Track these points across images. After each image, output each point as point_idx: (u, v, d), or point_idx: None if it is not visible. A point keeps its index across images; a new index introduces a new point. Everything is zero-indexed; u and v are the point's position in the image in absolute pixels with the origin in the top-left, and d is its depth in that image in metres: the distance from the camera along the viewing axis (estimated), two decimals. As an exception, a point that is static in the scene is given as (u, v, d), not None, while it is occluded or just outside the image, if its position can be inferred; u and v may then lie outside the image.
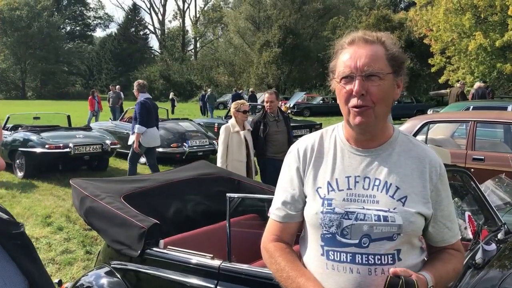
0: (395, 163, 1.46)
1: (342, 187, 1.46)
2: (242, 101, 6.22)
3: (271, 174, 5.90)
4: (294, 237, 1.60)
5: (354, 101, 1.39)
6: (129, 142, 8.01)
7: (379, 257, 1.40)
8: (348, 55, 1.43)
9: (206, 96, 26.03)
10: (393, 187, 1.42)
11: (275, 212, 1.59)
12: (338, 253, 1.42)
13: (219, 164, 5.72)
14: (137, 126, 7.51)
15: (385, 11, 33.34)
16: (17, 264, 1.11)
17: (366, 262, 1.40)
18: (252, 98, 24.47)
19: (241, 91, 29.80)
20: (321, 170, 1.51)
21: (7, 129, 9.57)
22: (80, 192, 3.13)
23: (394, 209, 1.40)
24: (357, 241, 1.40)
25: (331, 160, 1.51)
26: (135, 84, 7.99)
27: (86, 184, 3.22)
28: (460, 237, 1.56)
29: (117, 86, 21.39)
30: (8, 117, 10.39)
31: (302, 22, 42.07)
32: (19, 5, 55.00)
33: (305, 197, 1.53)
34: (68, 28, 69.29)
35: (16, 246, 1.12)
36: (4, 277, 1.06)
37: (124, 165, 10.07)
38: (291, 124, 6.58)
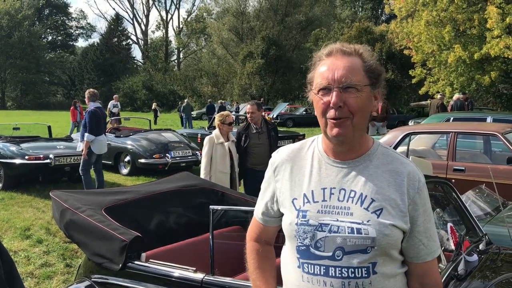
0: (372, 175, 1.44)
1: (317, 199, 1.45)
2: (226, 112, 6.19)
3: (251, 184, 5.97)
4: (274, 235, 1.66)
5: (331, 113, 1.39)
6: (78, 149, 8.36)
7: (352, 270, 1.38)
8: (325, 67, 1.43)
9: (182, 106, 25.99)
10: (368, 199, 1.41)
11: (256, 214, 1.67)
12: (312, 266, 1.42)
13: (202, 175, 5.69)
14: (86, 134, 7.86)
15: (366, 23, 33.80)
16: None
17: (340, 275, 1.38)
18: (222, 109, 24.61)
19: (224, 101, 29.83)
20: (298, 181, 1.51)
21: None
22: (60, 205, 3.07)
23: (367, 221, 1.38)
24: (330, 254, 1.39)
25: (308, 171, 1.51)
26: (86, 92, 8.35)
27: (66, 196, 3.16)
28: (437, 255, 1.51)
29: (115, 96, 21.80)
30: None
31: (285, 34, 42.41)
32: (-1, 14, 54.41)
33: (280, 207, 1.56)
34: (50, 37, 68.61)
35: None
36: None
37: (108, 176, 9.97)
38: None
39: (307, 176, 1.50)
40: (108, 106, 20.64)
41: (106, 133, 10.67)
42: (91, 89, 8.47)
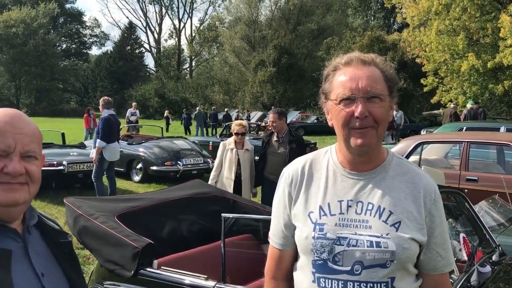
0: (388, 187, 1.42)
1: (334, 212, 1.42)
2: (238, 122, 6.30)
3: (266, 193, 5.99)
4: (291, 264, 1.56)
5: (356, 123, 1.36)
6: (90, 156, 8.41)
7: (371, 285, 1.35)
8: (346, 77, 1.40)
9: (194, 114, 26.17)
10: (386, 211, 1.38)
11: (272, 238, 1.58)
12: (330, 280, 1.38)
13: (211, 177, 6.00)
14: (98, 140, 7.96)
15: (378, 32, 33.77)
16: (62, 269, 1.29)
17: None
18: (227, 118, 24.86)
19: (237, 110, 29.97)
20: (313, 194, 1.48)
21: None
22: (73, 211, 3.11)
23: (387, 234, 1.36)
24: (349, 268, 1.36)
25: (323, 183, 1.47)
26: (101, 100, 8.44)
27: (80, 202, 3.20)
28: (453, 267, 1.51)
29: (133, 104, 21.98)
30: None
31: (297, 42, 42.49)
32: (15, 23, 55.10)
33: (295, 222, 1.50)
34: (64, 45, 69.46)
35: (63, 253, 1.32)
36: (51, 278, 1.24)
37: (120, 183, 10.04)
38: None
39: (323, 189, 1.46)
40: (127, 114, 20.77)
41: (119, 140, 10.80)
42: (106, 97, 8.57)
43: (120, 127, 9.25)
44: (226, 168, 5.95)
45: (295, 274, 1.53)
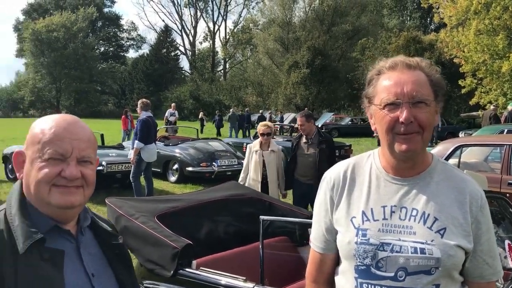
0: (433, 192, 1.39)
1: (378, 217, 1.40)
2: (263, 122, 6.37)
3: (297, 195, 6.03)
4: (333, 269, 1.55)
5: (401, 128, 1.34)
6: (129, 156, 8.52)
7: None
8: (390, 81, 1.38)
9: (228, 116, 26.29)
10: (431, 218, 1.36)
11: (313, 242, 1.58)
12: (373, 286, 1.37)
13: (239, 179, 6.12)
14: (136, 142, 8.10)
15: (415, 32, 33.11)
16: (113, 270, 1.33)
17: None
18: (261, 119, 24.87)
19: (268, 111, 29.99)
20: (355, 199, 1.46)
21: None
22: (115, 211, 3.20)
23: (431, 241, 1.34)
24: (392, 274, 1.34)
25: (366, 188, 1.46)
26: (139, 102, 8.60)
27: (121, 203, 3.29)
28: (500, 276, 1.46)
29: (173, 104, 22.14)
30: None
31: (331, 43, 42.14)
32: (56, 27, 56.95)
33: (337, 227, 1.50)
34: (102, 49, 71.26)
35: (115, 255, 1.36)
36: (101, 279, 1.28)
37: (157, 183, 10.23)
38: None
39: (365, 194, 1.45)
40: (166, 115, 21.00)
41: (156, 142, 11.01)
42: (144, 99, 8.75)
43: (157, 129, 9.42)
44: (252, 170, 6.05)
45: (336, 278, 1.53)
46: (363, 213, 1.43)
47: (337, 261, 1.54)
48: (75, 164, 1.23)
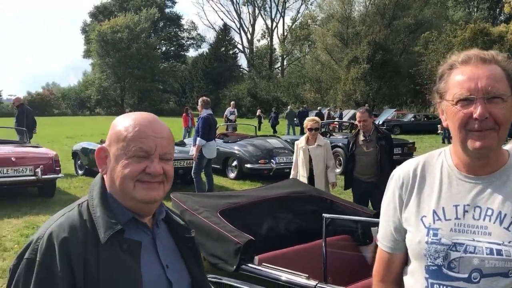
0: (510, 192, 1.32)
1: (450, 217, 1.35)
2: (310, 117, 6.42)
3: (358, 195, 5.92)
4: (401, 268, 1.51)
5: (475, 125, 1.29)
6: (190, 153, 8.69)
7: None
8: (463, 76, 1.32)
9: (285, 113, 26.20)
10: (508, 218, 1.29)
11: (381, 241, 1.55)
12: (444, 287, 1.34)
13: (290, 176, 6.20)
14: (198, 139, 8.27)
15: (482, 24, 31.53)
16: (185, 262, 1.39)
17: None
18: (319, 116, 24.52)
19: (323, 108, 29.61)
20: (426, 197, 1.42)
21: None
22: (179, 206, 3.28)
23: (509, 242, 1.27)
24: (466, 276, 1.29)
25: (437, 187, 1.41)
26: (200, 100, 8.75)
27: (185, 198, 3.38)
28: None
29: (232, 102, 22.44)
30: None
31: (392, 38, 41.03)
32: (120, 28, 59.27)
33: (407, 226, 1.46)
34: (164, 48, 73.33)
35: (187, 248, 1.42)
36: (174, 270, 1.33)
37: (216, 180, 10.42)
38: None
39: (436, 192, 1.41)
40: (225, 113, 21.32)
41: (216, 139, 11.22)
42: (205, 97, 8.93)
43: (217, 126, 9.59)
44: (300, 167, 6.17)
45: (405, 278, 1.49)
46: (434, 212, 1.38)
47: (405, 261, 1.50)
48: (158, 161, 1.29)
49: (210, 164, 8.82)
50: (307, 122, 6.15)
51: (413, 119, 27.87)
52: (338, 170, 11.40)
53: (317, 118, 6.44)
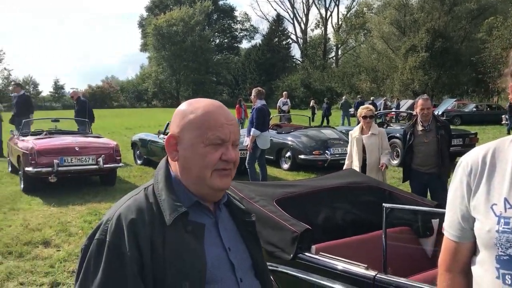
0: None
1: None
2: (364, 105, 6.32)
3: (417, 186, 5.71)
4: (469, 257, 1.46)
5: None
6: (244, 144, 8.63)
7: None
8: None
9: (340, 103, 25.73)
10: None
11: (447, 229, 1.50)
12: None
13: (344, 166, 6.16)
14: (252, 129, 8.28)
15: (553, 7, 29.59)
16: (246, 246, 1.42)
17: None
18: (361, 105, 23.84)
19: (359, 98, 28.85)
20: (496, 185, 1.36)
21: (165, 135, 10.56)
22: (236, 194, 3.28)
23: None
24: None
25: (509, 174, 1.34)
26: (254, 91, 8.71)
27: (241, 186, 3.40)
28: None
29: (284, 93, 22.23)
30: (168, 123, 11.47)
31: (452, 24, 39.34)
32: (175, 21, 60.50)
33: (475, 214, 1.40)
34: (217, 40, 74.19)
35: (248, 232, 1.44)
36: (236, 253, 1.36)
37: (270, 170, 10.43)
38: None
39: (508, 180, 1.34)
40: (278, 104, 21.25)
41: (269, 130, 11.23)
42: (258, 88, 8.94)
43: (270, 117, 9.58)
44: (354, 156, 6.07)
45: (473, 268, 1.43)
46: (506, 200, 1.32)
47: (473, 251, 1.44)
48: (232, 147, 1.32)
49: (263, 154, 8.85)
50: (361, 110, 6.03)
51: (475, 109, 26.66)
52: (395, 162, 11.12)
53: (371, 106, 6.32)
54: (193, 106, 1.35)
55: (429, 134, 5.57)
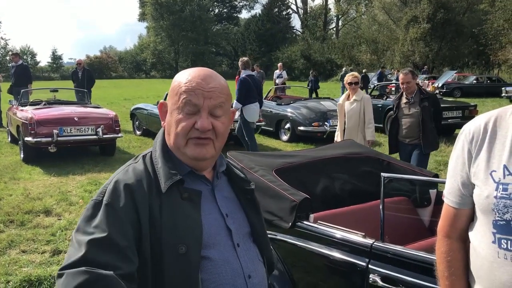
0: None
1: None
2: (350, 73, 6.51)
3: (404, 157, 5.83)
4: (467, 224, 1.49)
5: None
6: (236, 117, 8.53)
7: None
8: None
9: (340, 75, 25.40)
10: None
11: (447, 196, 1.53)
12: None
13: (335, 137, 6.48)
14: (234, 102, 8.08)
15: (558, -23, 29.07)
16: (245, 213, 1.45)
17: None
18: (380, 78, 23.71)
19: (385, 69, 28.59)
20: (496, 152, 1.38)
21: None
22: (236, 164, 3.32)
23: None
24: None
25: (510, 142, 1.37)
26: (240, 61, 8.60)
27: (241, 156, 3.42)
28: None
29: (279, 64, 21.27)
30: (167, 94, 11.42)
31: (455, -5, 38.74)
32: (174, -10, 59.66)
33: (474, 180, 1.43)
34: (216, 10, 73.13)
35: (247, 199, 1.47)
36: (234, 219, 1.39)
37: (269, 142, 10.46)
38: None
39: (508, 147, 1.36)
40: (274, 76, 20.70)
41: (265, 101, 11.10)
42: (244, 58, 8.68)
43: (270, 88, 9.50)
44: (338, 122, 6.44)
45: (471, 234, 1.47)
46: (505, 167, 1.35)
47: (471, 217, 1.48)
48: (207, 116, 1.29)
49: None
50: (347, 77, 6.23)
51: (475, 81, 26.55)
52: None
53: (356, 73, 6.49)
54: (180, 74, 1.35)
55: (412, 106, 5.67)
